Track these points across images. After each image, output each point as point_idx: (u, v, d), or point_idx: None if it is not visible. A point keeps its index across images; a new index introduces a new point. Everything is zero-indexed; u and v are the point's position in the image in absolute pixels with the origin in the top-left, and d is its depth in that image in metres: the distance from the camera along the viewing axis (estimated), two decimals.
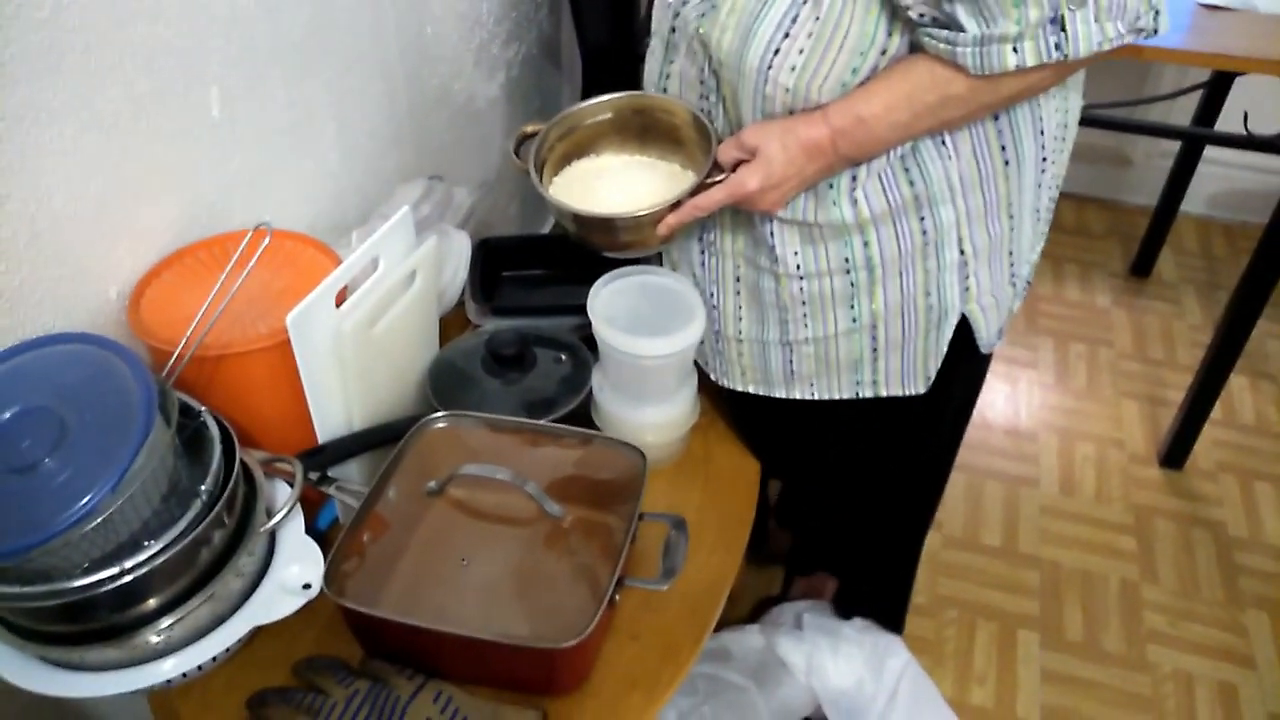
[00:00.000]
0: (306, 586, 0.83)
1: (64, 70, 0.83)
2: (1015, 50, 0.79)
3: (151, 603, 0.77)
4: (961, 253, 0.98)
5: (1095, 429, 2.11)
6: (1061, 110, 0.96)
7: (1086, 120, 1.98)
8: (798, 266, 0.99)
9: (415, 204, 1.28)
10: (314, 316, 0.87)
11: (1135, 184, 2.77)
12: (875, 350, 1.05)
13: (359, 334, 0.94)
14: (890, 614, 1.49)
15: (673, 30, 0.98)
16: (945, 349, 1.05)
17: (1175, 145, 2.37)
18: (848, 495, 1.33)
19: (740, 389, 1.14)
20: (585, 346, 1.12)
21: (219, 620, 0.81)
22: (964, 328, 1.04)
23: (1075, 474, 2.00)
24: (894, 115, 0.86)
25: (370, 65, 1.33)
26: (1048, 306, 2.45)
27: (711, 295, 1.09)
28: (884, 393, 1.08)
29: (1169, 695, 1.60)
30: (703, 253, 1.07)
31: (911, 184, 0.93)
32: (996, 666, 1.64)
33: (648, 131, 1.04)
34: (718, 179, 0.94)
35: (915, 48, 0.86)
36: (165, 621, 0.77)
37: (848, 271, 0.99)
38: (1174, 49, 1.56)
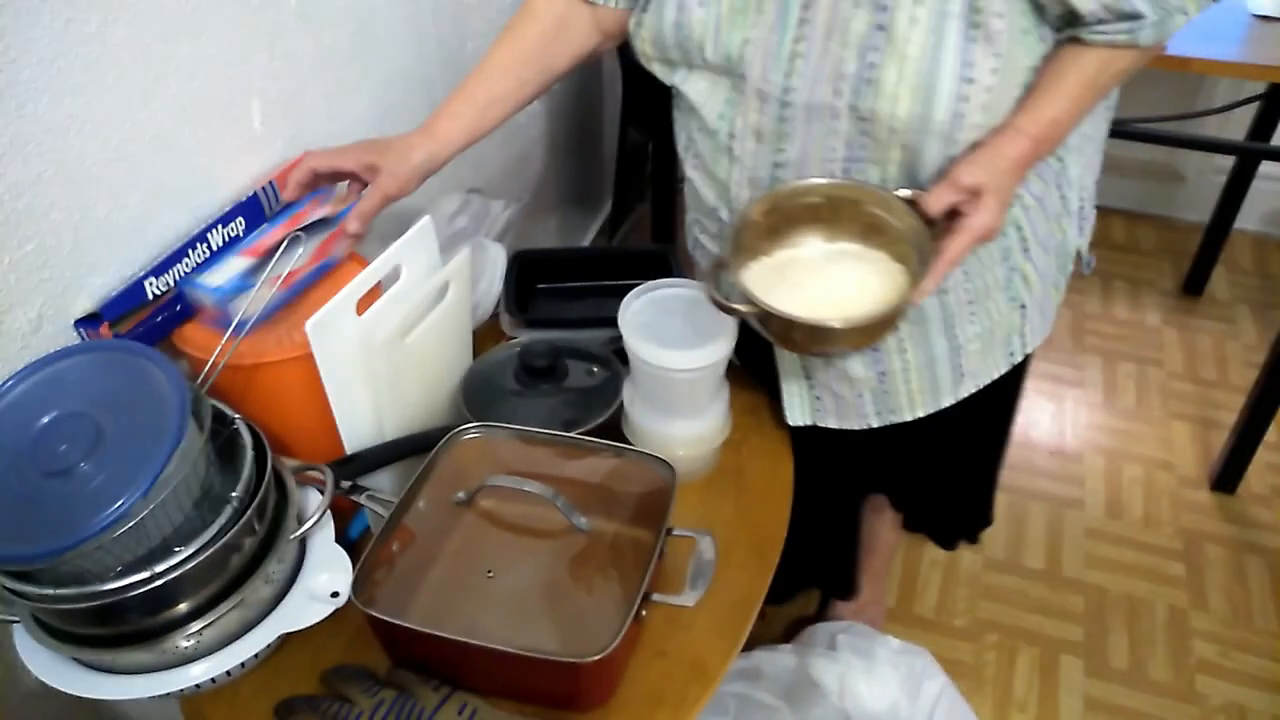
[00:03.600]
0: (335, 595, 0.84)
1: (109, 83, 0.86)
2: (1185, 12, 0.83)
3: (182, 607, 0.78)
4: (1081, 200, 1.04)
5: (1144, 450, 2.06)
6: None
7: (1138, 135, 1.95)
8: (964, 274, 1.02)
9: (452, 216, 1.29)
10: (334, 324, 0.88)
11: (1188, 200, 2.71)
12: (1025, 316, 1.08)
13: (390, 343, 0.94)
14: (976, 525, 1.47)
15: (781, 120, 0.93)
16: (1066, 284, 1.12)
17: (1229, 160, 2.32)
18: (943, 468, 1.34)
19: (909, 419, 1.13)
20: (617, 359, 1.12)
21: (248, 626, 0.82)
22: None
23: (1122, 496, 1.96)
24: (1081, 106, 0.89)
25: (411, 80, 1.35)
26: (1096, 324, 2.40)
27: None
28: (1029, 350, 1.12)
29: None
30: None
31: (1060, 159, 0.98)
32: (1038, 693, 1.60)
33: (848, 218, 0.96)
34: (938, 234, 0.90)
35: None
36: (195, 626, 0.78)
37: (1006, 259, 1.02)
38: (1227, 61, 1.53)
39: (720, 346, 0.99)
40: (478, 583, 0.87)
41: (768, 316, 0.88)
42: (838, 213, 0.95)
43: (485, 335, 1.23)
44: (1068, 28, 0.86)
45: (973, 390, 1.12)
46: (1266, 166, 2.34)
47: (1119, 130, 1.80)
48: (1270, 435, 1.94)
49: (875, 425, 1.14)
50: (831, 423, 1.15)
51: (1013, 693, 1.60)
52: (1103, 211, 2.93)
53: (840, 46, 0.87)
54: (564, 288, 1.36)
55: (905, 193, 0.91)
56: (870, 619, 1.60)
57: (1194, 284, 2.49)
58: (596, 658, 0.78)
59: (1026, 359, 1.18)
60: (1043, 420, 2.13)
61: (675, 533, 0.91)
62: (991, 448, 1.36)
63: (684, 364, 0.98)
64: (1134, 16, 0.82)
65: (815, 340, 0.91)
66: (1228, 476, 1.96)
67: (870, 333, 0.91)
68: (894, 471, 1.36)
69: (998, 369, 1.12)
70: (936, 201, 0.89)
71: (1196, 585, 1.78)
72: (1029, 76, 0.88)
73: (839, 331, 0.87)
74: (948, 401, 1.12)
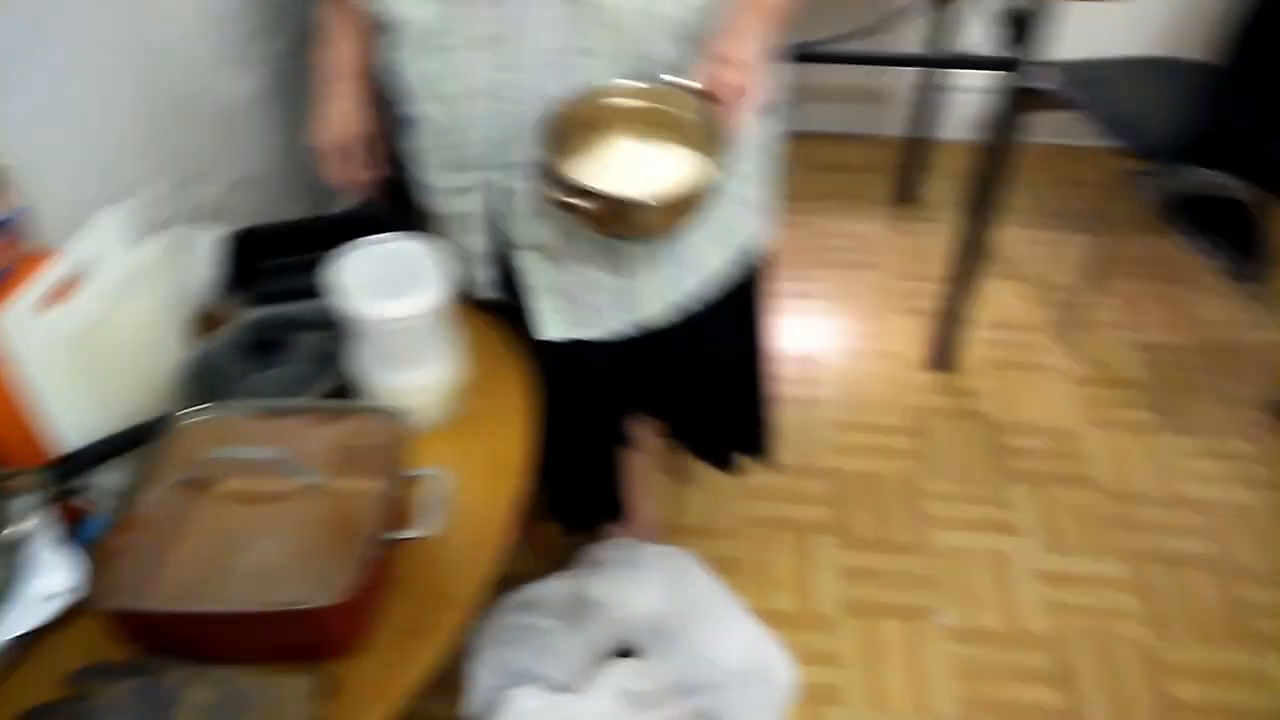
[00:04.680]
0: (59, 595, 0.82)
1: None
2: None
3: None
4: (776, 95, 1.20)
5: (873, 346, 2.28)
6: None
7: (828, 56, 2.10)
8: None
9: (157, 202, 1.25)
10: (23, 323, 0.85)
11: (889, 117, 2.94)
12: (748, 212, 1.23)
13: (89, 337, 0.92)
14: (760, 442, 1.60)
15: (502, 20, 0.99)
16: (779, 179, 1.28)
17: (924, 75, 2.54)
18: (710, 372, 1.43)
19: (655, 320, 1.22)
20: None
21: None
22: None
23: (857, 389, 2.16)
24: None
25: (110, 69, 1.27)
26: (824, 240, 2.61)
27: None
28: (758, 248, 1.27)
29: (951, 570, 1.77)
30: None
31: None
32: (795, 572, 1.76)
33: (647, 118, 1.05)
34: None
35: None
36: None
37: None
38: None
39: (429, 295, 1.03)
40: (221, 558, 0.88)
41: (584, 196, 0.95)
42: (636, 114, 1.04)
43: (209, 319, 1.21)
44: None
45: (709, 288, 1.23)
46: (955, 76, 2.57)
47: (811, 55, 1.95)
48: (978, 315, 2.20)
49: (626, 330, 1.23)
50: (587, 333, 1.23)
51: (773, 576, 1.75)
52: (811, 136, 3.10)
53: None
54: (290, 261, 1.35)
55: (690, 84, 1.00)
56: (643, 537, 1.69)
57: (905, 193, 2.75)
58: (333, 601, 0.81)
59: (764, 268, 1.31)
60: (784, 332, 2.30)
61: (413, 475, 0.95)
62: (746, 358, 1.47)
63: (392, 313, 1.00)
64: None
65: (628, 220, 0.99)
66: (945, 357, 2.20)
67: (682, 209, 0.99)
68: (653, 388, 1.44)
69: (729, 266, 1.23)
70: (705, 75, 0.98)
71: (926, 454, 2.00)
72: None
73: (654, 208, 0.96)
74: (685, 301, 1.22)
